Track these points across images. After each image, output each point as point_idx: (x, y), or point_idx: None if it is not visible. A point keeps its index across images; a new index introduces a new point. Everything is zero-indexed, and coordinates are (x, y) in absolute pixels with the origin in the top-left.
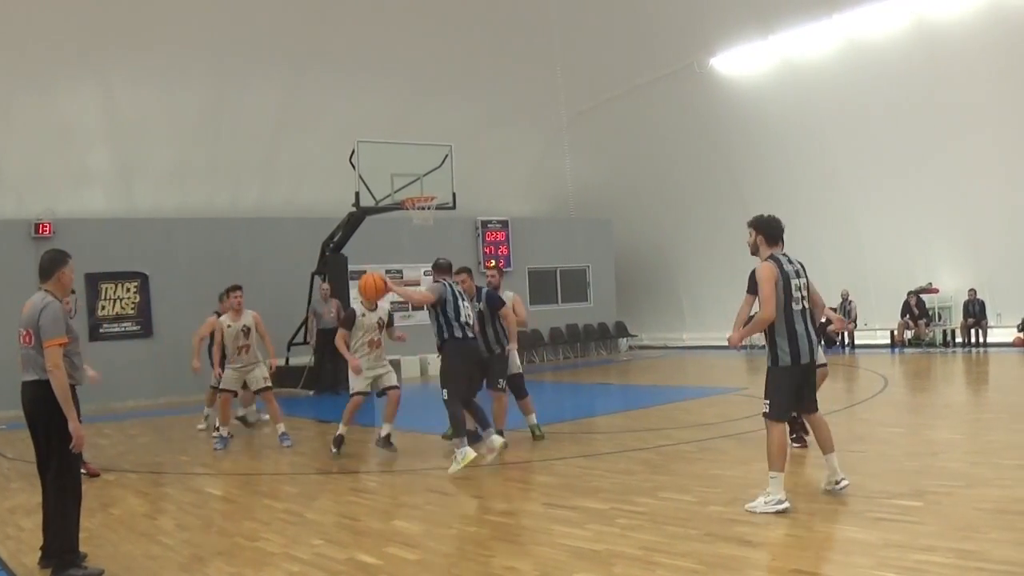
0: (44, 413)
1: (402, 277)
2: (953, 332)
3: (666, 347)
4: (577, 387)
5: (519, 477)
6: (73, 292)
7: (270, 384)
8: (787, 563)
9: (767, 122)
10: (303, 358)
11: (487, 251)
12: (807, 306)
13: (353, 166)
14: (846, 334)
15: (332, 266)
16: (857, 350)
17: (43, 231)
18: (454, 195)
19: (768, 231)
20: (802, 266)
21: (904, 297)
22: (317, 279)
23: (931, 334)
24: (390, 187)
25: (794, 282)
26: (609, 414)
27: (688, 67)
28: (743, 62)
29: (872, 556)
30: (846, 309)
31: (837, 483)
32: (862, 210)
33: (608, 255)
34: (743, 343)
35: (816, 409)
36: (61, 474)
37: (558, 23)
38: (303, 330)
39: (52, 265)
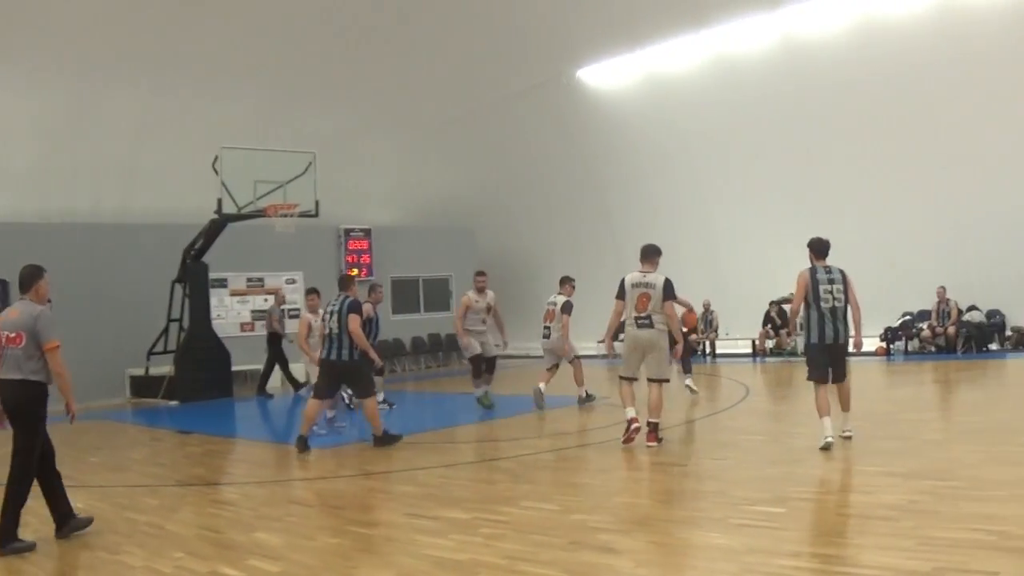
0: (21, 408)
1: (263, 285)
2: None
3: (528, 356)
4: (439, 397)
5: (381, 487)
6: (49, 301)
7: None
8: (651, 570)
9: (633, 134)
10: (163, 367)
11: (349, 259)
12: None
13: (216, 172)
14: (708, 343)
15: (193, 274)
16: (719, 359)
17: None
18: (317, 203)
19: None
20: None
21: (765, 307)
22: (179, 287)
23: (792, 343)
24: (253, 194)
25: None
26: (471, 424)
27: (555, 79)
28: (610, 75)
29: (736, 562)
30: (708, 319)
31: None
32: (724, 221)
33: (471, 264)
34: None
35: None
36: (20, 455)
37: (426, 32)
38: (163, 339)
39: (30, 279)
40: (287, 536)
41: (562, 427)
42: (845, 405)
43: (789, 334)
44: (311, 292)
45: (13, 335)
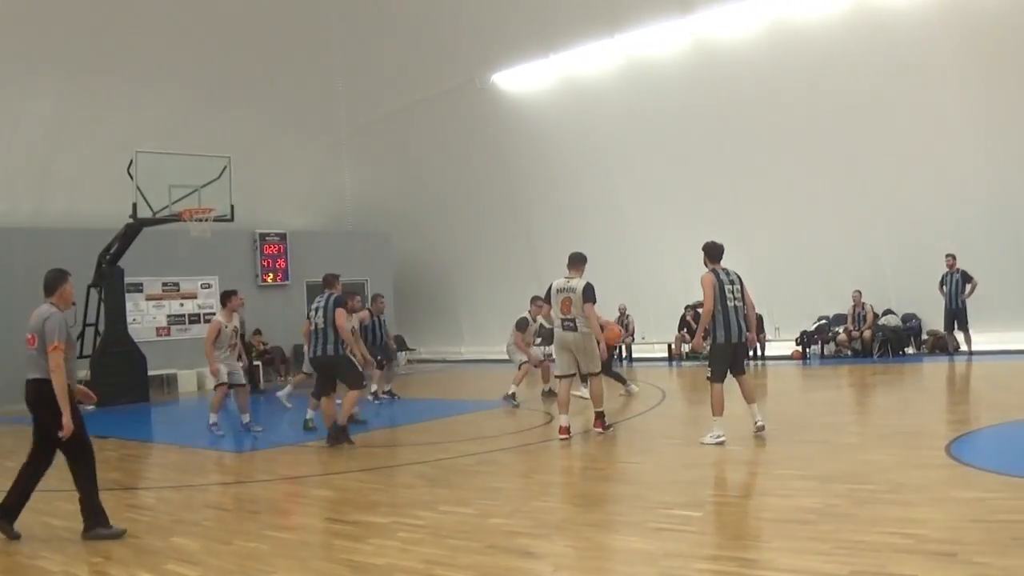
0: (40, 406)
1: (179, 289)
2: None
3: (445, 360)
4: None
5: (298, 492)
6: (74, 304)
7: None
8: (569, 574)
9: (549, 138)
10: (80, 372)
11: (265, 264)
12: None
13: (131, 176)
14: (623, 347)
15: (108, 278)
16: (635, 363)
17: None
18: (232, 207)
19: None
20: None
21: (680, 311)
22: (94, 291)
23: (707, 347)
24: (168, 198)
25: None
26: (388, 427)
27: (469, 82)
28: (525, 79)
29: (654, 566)
30: (624, 323)
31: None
32: (639, 225)
33: (387, 268)
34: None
35: None
36: (71, 453)
37: (340, 36)
38: (79, 343)
39: (54, 283)
40: (204, 540)
41: (483, 431)
42: (751, 397)
43: (705, 337)
44: (231, 294)
45: (30, 336)
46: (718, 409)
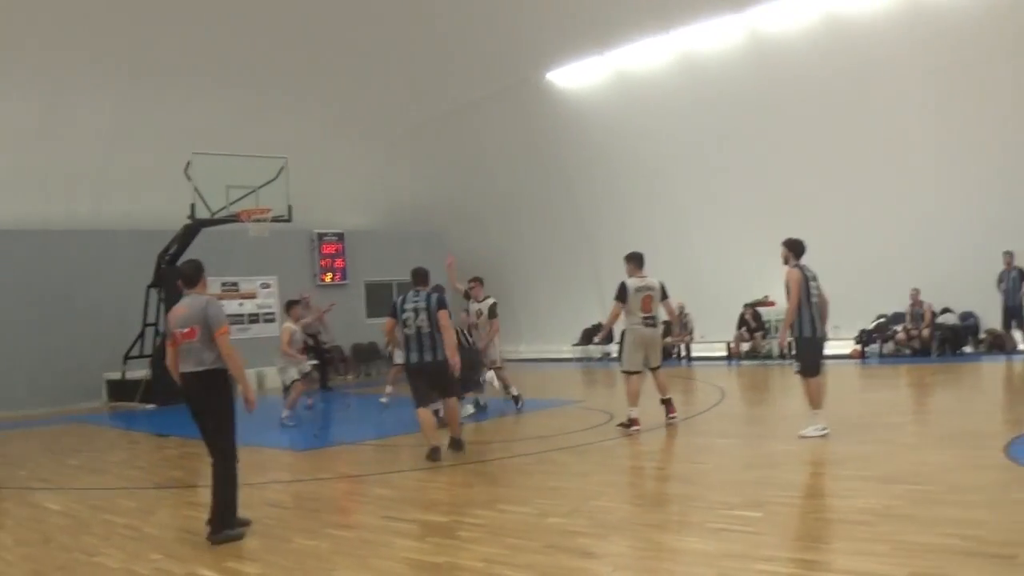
0: (208, 398)
1: (238, 290)
2: (789, 344)
3: (504, 359)
4: None
5: (358, 490)
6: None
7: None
8: (628, 574)
9: (604, 135)
10: (140, 371)
11: (323, 263)
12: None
13: (189, 178)
14: (683, 346)
15: (168, 279)
16: (694, 362)
17: None
18: (289, 207)
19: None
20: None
21: (740, 310)
22: (154, 292)
23: (767, 346)
24: (226, 199)
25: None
26: (445, 427)
27: (525, 81)
28: (579, 76)
29: (713, 567)
30: (683, 322)
31: None
32: (697, 222)
33: (444, 268)
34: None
35: None
36: (220, 447)
37: (396, 36)
38: (139, 343)
39: (197, 273)
40: (264, 538)
41: (540, 430)
42: (816, 404)
43: (763, 337)
44: (294, 303)
45: (186, 330)
46: (817, 402)
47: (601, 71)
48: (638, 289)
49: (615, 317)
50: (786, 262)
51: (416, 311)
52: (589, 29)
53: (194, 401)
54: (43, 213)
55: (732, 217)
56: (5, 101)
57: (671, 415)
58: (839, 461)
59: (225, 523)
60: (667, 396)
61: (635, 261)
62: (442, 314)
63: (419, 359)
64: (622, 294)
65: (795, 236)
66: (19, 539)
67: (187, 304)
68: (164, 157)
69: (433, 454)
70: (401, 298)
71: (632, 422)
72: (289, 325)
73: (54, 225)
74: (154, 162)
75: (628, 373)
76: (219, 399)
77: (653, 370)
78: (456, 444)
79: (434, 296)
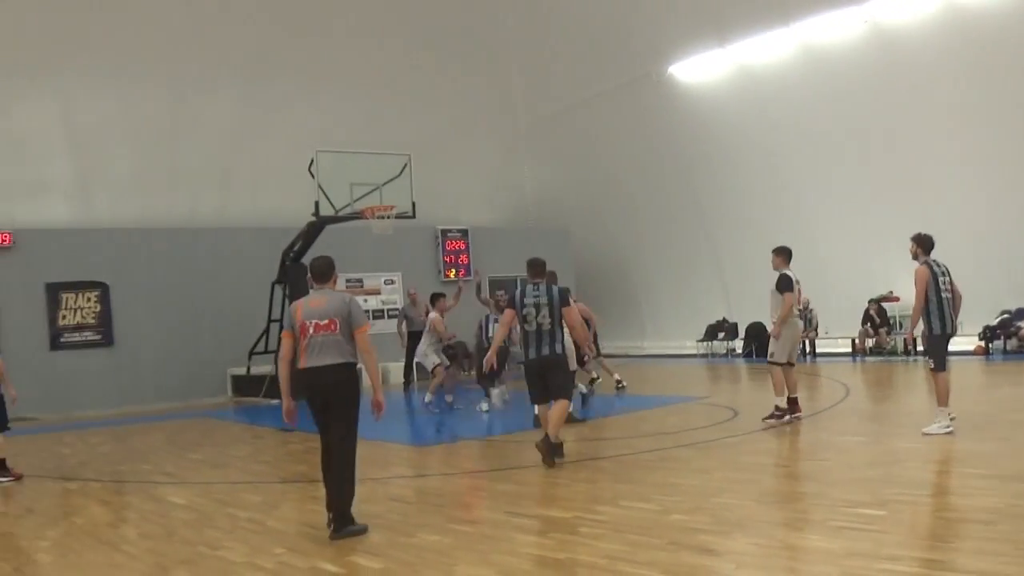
0: (347, 390)
1: (362, 286)
2: (914, 340)
3: (626, 355)
4: None
5: (480, 485)
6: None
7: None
8: (750, 572)
9: (725, 130)
10: (264, 367)
11: (447, 260)
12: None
13: (312, 175)
14: (807, 342)
15: (292, 275)
16: (818, 359)
17: (1, 241)
18: (413, 204)
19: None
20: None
21: (865, 305)
22: (278, 288)
23: (892, 342)
24: (349, 196)
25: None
26: (570, 423)
27: (646, 75)
28: (701, 70)
29: (836, 565)
30: (806, 317)
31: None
32: (821, 217)
33: (568, 264)
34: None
35: None
36: (350, 439)
37: (517, 33)
38: (264, 339)
39: (330, 270)
40: (388, 533)
41: (663, 427)
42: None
43: (888, 332)
44: (442, 296)
45: (325, 322)
46: (944, 399)
47: (722, 65)
48: (796, 281)
49: (789, 308)
50: (915, 257)
51: (537, 306)
52: (709, 22)
53: (328, 391)
54: (169, 211)
55: (856, 212)
56: (133, 102)
57: (794, 415)
58: (962, 459)
59: (347, 519)
60: (795, 395)
61: (785, 254)
62: (569, 312)
63: (536, 354)
64: (789, 284)
65: (923, 231)
66: (143, 533)
67: (325, 298)
68: (288, 155)
69: (555, 451)
70: (520, 291)
71: (785, 411)
72: (437, 315)
73: (180, 223)
74: (278, 160)
75: (778, 364)
76: (353, 392)
77: (790, 365)
78: (550, 446)
79: (555, 290)
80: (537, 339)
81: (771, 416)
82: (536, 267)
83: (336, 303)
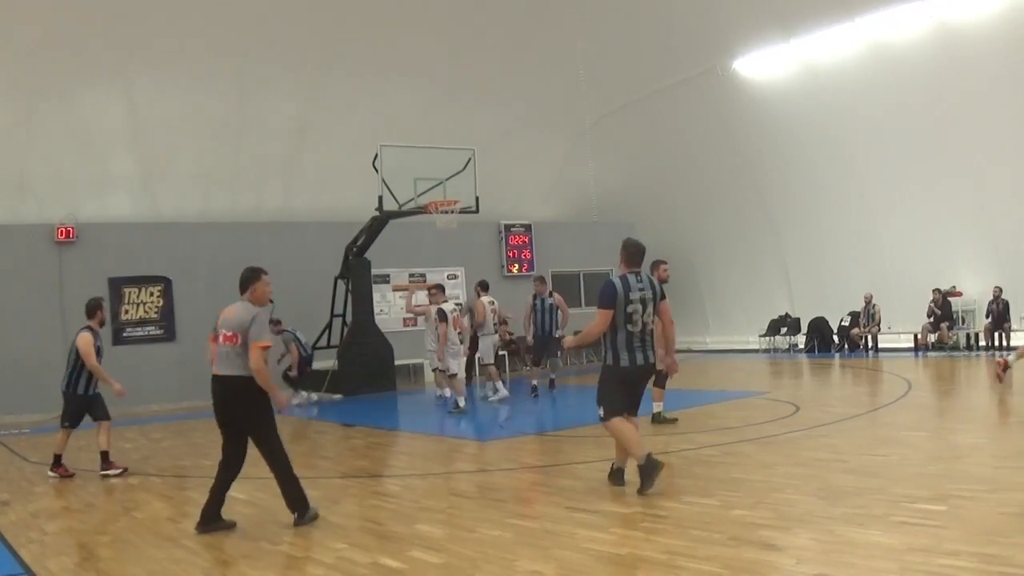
0: (240, 403)
1: (425, 280)
2: (977, 335)
3: (690, 351)
4: None
5: (541, 481)
6: (271, 302)
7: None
8: (811, 567)
9: (789, 125)
10: (327, 362)
11: (511, 255)
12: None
13: (376, 170)
14: (869, 337)
15: (355, 270)
16: (880, 353)
17: (65, 235)
18: (477, 199)
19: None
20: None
21: (927, 300)
22: (341, 283)
23: (954, 337)
24: (413, 191)
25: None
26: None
27: (711, 70)
28: (765, 65)
29: (896, 560)
30: (869, 312)
31: None
32: (884, 212)
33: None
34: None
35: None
36: (268, 446)
37: (581, 27)
38: (327, 333)
39: (247, 281)
40: (448, 528)
41: (725, 422)
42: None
43: (951, 327)
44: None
45: (230, 333)
46: None
47: (787, 61)
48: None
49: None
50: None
51: (643, 301)
52: (774, 16)
53: (219, 403)
54: (233, 206)
55: (920, 206)
56: (198, 96)
57: None
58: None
59: (303, 503)
60: None
61: None
62: (665, 307)
63: (644, 360)
64: None
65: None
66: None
67: (234, 310)
68: (352, 150)
69: (617, 477)
70: (623, 284)
71: None
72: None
73: (243, 217)
74: (342, 155)
75: None
76: (247, 406)
77: None
78: (655, 465)
79: (657, 283)
80: (641, 342)
81: None
82: (637, 252)
83: (240, 316)
